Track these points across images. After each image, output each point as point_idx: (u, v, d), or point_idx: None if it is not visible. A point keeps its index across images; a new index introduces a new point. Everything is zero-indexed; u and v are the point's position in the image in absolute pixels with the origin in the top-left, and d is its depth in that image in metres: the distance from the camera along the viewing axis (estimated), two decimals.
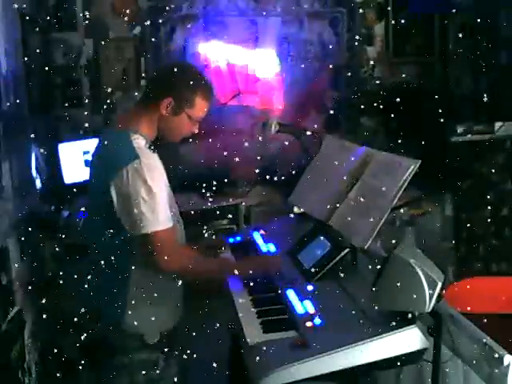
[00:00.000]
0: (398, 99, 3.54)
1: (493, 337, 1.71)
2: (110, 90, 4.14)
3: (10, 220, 2.84)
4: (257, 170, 4.27)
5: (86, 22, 4.07)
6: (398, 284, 1.66)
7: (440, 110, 3.69)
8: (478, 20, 4.16)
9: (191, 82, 2.08)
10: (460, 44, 4.44)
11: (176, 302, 2.17)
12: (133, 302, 2.02)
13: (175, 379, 2.18)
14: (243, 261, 2.34)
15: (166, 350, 2.13)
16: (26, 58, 3.39)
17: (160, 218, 1.96)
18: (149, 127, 2.09)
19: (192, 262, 2.03)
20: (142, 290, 2.01)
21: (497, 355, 1.64)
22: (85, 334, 2.17)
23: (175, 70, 2.15)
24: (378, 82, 4.53)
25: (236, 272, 2.14)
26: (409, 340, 1.67)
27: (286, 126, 2.76)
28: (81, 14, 4.07)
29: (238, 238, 2.62)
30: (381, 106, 4.42)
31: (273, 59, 4.32)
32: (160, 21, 4.18)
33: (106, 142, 2.10)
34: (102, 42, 4.14)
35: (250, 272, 2.13)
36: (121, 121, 2.20)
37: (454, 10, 4.25)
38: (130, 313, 2.03)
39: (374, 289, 1.72)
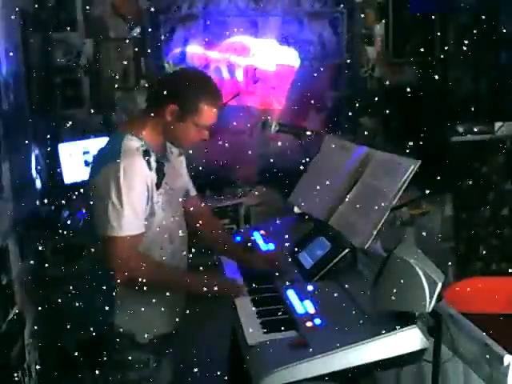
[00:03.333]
0: (398, 99, 3.55)
1: (493, 337, 1.70)
2: (109, 89, 4.14)
3: (9, 220, 2.84)
4: (257, 170, 4.29)
5: (86, 22, 4.08)
6: (398, 284, 1.65)
7: (440, 110, 3.69)
8: (478, 20, 4.17)
9: (196, 89, 2.00)
10: (460, 44, 4.44)
11: (171, 301, 2.15)
12: (125, 302, 2.01)
13: (168, 379, 2.18)
14: (207, 281, 2.09)
15: (161, 350, 2.12)
16: (25, 58, 3.39)
17: (125, 224, 1.90)
18: (152, 132, 2.04)
19: (152, 272, 1.96)
20: (134, 290, 1.99)
21: (497, 355, 1.64)
22: (83, 334, 2.17)
23: (181, 76, 2.11)
24: (377, 82, 4.54)
25: (195, 289, 2.09)
26: (409, 340, 1.66)
27: (286, 126, 2.76)
28: (81, 14, 4.07)
29: (238, 238, 2.62)
30: (381, 106, 4.44)
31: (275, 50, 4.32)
32: (160, 21, 4.19)
33: (103, 144, 2.11)
34: (102, 42, 4.15)
35: (208, 292, 2.05)
36: (126, 124, 2.19)
37: (454, 10, 4.25)
38: (121, 312, 2.03)
39: (373, 289, 1.72)
